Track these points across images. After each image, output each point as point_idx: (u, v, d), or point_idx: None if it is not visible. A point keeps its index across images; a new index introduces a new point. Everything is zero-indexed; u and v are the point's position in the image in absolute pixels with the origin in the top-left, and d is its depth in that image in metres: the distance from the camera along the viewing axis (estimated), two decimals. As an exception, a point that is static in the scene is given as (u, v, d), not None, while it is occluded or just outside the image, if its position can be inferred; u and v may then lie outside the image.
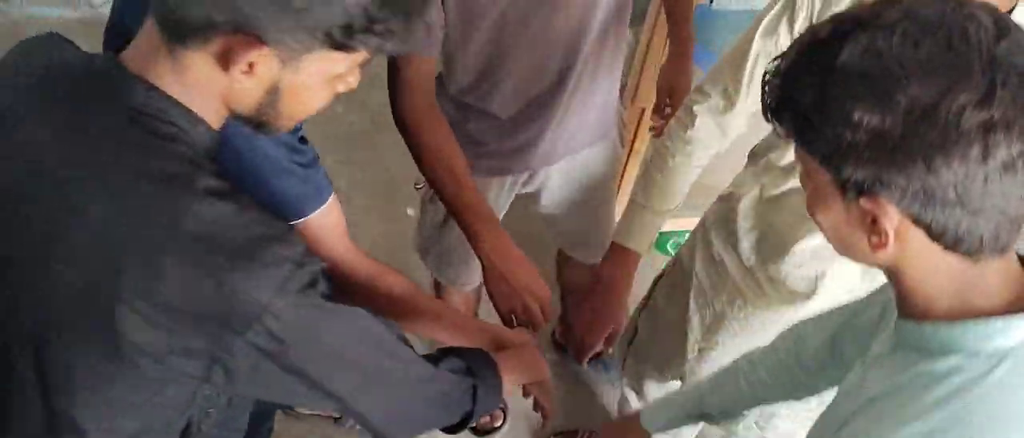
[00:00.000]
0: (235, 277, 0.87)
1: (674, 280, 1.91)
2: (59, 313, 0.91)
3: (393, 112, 1.62)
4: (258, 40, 0.87)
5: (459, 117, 1.78)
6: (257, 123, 0.98)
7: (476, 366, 1.24)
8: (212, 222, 0.88)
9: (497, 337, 1.43)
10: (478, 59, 1.67)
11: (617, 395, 2.63)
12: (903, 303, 0.91)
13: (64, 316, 0.91)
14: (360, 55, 0.93)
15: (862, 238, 0.85)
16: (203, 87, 0.92)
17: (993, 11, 0.79)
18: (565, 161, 1.94)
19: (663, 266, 2.04)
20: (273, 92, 0.93)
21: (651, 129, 2.05)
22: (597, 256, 1.83)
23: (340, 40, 0.89)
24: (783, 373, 1.32)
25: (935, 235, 0.82)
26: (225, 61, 0.89)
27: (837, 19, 0.83)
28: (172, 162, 0.90)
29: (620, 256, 1.69)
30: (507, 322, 1.61)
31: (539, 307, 1.58)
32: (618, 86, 1.95)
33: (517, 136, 1.82)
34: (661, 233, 2.82)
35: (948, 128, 0.75)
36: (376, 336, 1.05)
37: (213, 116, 0.96)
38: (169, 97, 0.92)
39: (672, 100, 1.99)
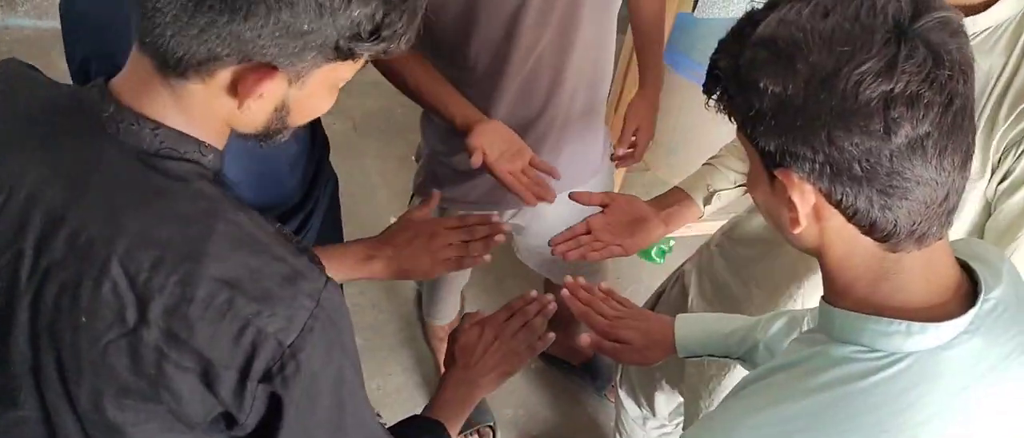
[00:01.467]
0: (261, 319, 0.86)
1: (675, 299, 1.90)
2: (90, 363, 0.89)
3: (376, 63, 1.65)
4: (269, 68, 0.86)
5: (448, 147, 1.79)
6: (263, 137, 0.97)
7: None
8: (235, 265, 0.87)
9: (360, 258, 1.42)
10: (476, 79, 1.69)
11: (603, 404, 2.63)
12: (826, 285, 0.91)
13: (93, 365, 0.89)
14: (365, 57, 0.92)
15: (784, 214, 0.85)
16: (207, 115, 0.91)
17: None
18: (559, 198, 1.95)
19: (655, 281, 2.03)
20: (281, 109, 0.92)
21: (612, 158, 2.06)
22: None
23: (347, 50, 0.87)
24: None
25: (849, 215, 0.82)
26: (234, 91, 0.87)
27: None
28: (190, 204, 0.89)
29: (671, 194, 1.65)
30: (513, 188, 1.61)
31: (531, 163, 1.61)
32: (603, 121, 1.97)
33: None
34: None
35: (846, 97, 0.75)
36: (364, 411, 1.02)
37: (218, 139, 0.94)
38: (177, 132, 0.90)
39: (637, 138, 2.04)
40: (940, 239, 0.85)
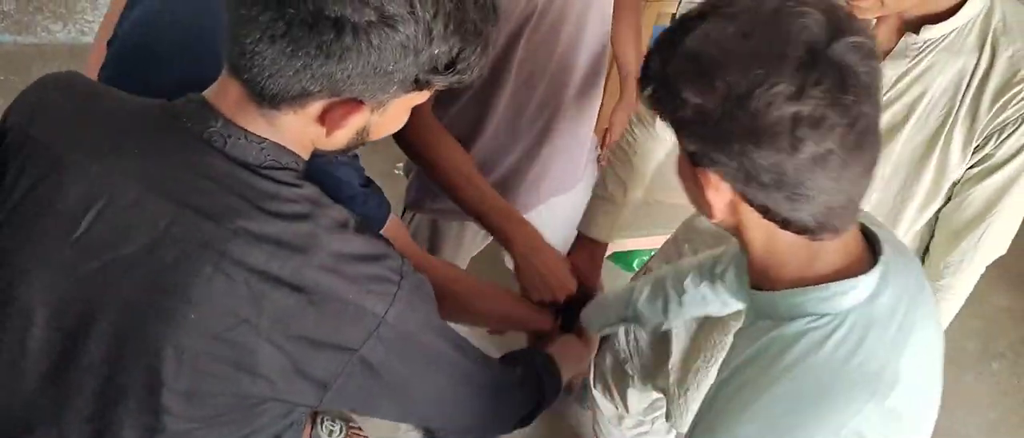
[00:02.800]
0: (359, 295, 0.94)
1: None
2: (193, 358, 0.92)
3: (398, 135, 1.62)
4: (357, 103, 0.92)
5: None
6: (341, 153, 1.04)
7: (541, 368, 1.34)
8: (335, 254, 0.94)
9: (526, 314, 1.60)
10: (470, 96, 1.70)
11: (586, 415, 2.63)
12: (755, 274, 1.00)
13: (196, 360, 0.93)
14: (440, 86, 0.97)
15: (705, 205, 0.93)
16: (297, 136, 0.97)
17: (833, 11, 0.84)
18: (545, 205, 1.96)
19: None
20: (363, 132, 0.99)
21: (599, 160, 2.12)
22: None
23: (425, 81, 0.93)
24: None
25: (762, 213, 0.90)
26: (322, 121, 0.93)
27: (704, 4, 0.89)
28: (296, 204, 0.95)
29: (587, 246, 1.72)
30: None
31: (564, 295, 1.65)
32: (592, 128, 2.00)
33: (498, 172, 1.83)
34: (627, 252, 2.86)
35: (757, 117, 0.81)
36: (461, 346, 1.12)
37: (306, 153, 1.01)
38: (279, 146, 0.96)
39: (609, 134, 2.16)
40: (852, 227, 0.94)
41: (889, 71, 1.32)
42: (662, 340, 1.84)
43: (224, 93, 0.95)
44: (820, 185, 0.84)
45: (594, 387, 2.16)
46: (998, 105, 1.28)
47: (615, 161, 1.71)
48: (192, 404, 0.95)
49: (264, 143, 0.95)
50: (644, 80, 0.92)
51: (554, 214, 1.99)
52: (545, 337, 1.62)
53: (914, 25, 1.29)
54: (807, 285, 0.93)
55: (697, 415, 1.01)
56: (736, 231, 0.96)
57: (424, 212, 1.91)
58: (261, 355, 0.93)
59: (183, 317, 0.91)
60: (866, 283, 0.92)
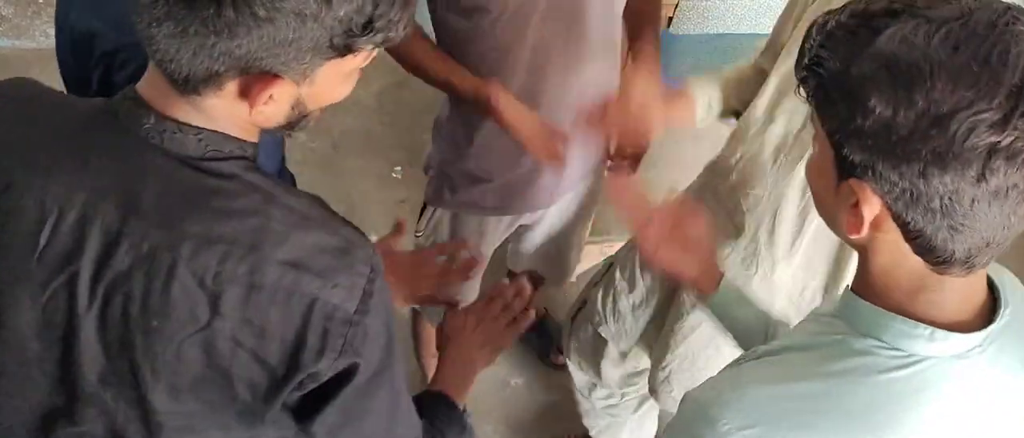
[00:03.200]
0: (326, 293, 0.91)
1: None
2: (165, 363, 0.92)
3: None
4: (270, 75, 0.88)
5: (459, 154, 1.81)
6: (287, 129, 1.00)
7: (436, 415, 1.26)
8: (296, 246, 0.91)
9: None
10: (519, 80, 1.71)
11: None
12: (860, 279, 0.92)
13: (169, 365, 0.92)
14: (369, 49, 0.93)
15: (842, 215, 0.85)
16: (231, 118, 0.93)
17: None
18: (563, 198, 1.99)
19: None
20: (297, 105, 0.95)
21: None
22: (562, 281, 1.83)
23: (344, 45, 0.89)
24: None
25: (910, 237, 0.83)
26: (245, 98, 0.90)
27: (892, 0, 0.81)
28: (245, 197, 0.92)
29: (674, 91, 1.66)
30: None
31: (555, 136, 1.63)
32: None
33: (522, 169, 1.83)
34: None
35: (955, 141, 0.74)
36: (402, 378, 1.06)
37: (250, 134, 0.97)
38: (219, 134, 0.93)
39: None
40: (985, 268, 0.87)
41: None
42: (644, 305, 1.85)
43: (153, 85, 0.93)
44: (990, 220, 0.78)
45: (568, 356, 2.15)
46: None
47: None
48: (180, 401, 0.94)
49: (201, 133, 0.92)
50: (811, 77, 0.83)
51: (567, 202, 2.02)
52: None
53: None
54: (903, 314, 0.87)
55: (720, 371, 0.98)
56: (863, 247, 0.89)
57: (444, 206, 1.92)
58: (232, 360, 0.91)
59: (147, 325, 0.90)
60: (959, 342, 0.85)
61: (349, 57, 0.91)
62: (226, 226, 0.90)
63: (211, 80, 0.87)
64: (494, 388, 2.66)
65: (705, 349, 1.75)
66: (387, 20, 0.89)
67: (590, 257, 2.90)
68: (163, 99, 0.92)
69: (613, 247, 2.82)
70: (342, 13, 0.86)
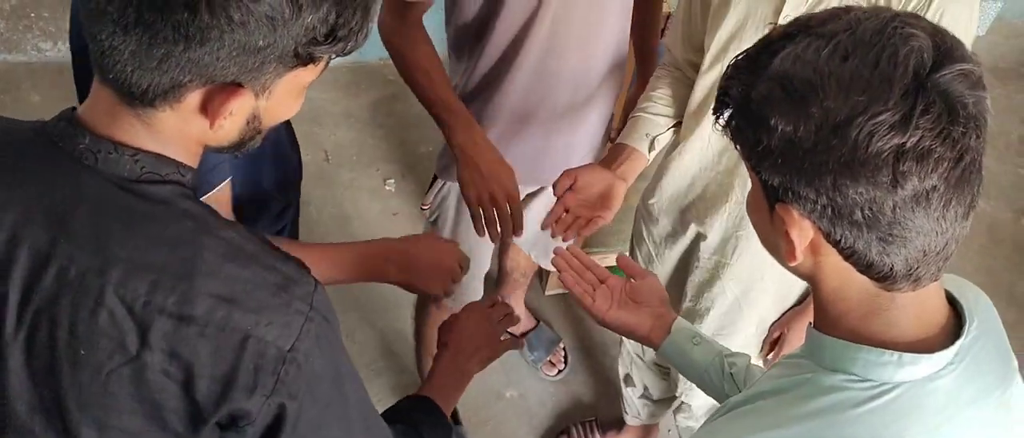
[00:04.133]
0: (260, 329, 0.88)
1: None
2: (93, 394, 0.89)
3: (380, 26, 1.67)
4: (234, 86, 0.87)
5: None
6: (236, 148, 0.97)
7: (419, 420, 1.25)
8: (229, 280, 0.88)
9: (367, 258, 1.44)
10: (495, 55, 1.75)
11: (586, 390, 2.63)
12: (817, 313, 0.92)
13: (96, 396, 0.89)
14: (325, 60, 0.92)
15: (781, 244, 0.85)
16: (180, 137, 0.91)
17: (939, 36, 0.77)
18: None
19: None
20: (252, 120, 0.93)
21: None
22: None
23: (306, 55, 0.88)
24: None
25: (846, 255, 0.82)
26: (204, 112, 0.88)
27: (793, 22, 0.82)
28: (177, 225, 0.90)
29: (618, 148, 1.70)
30: (474, 214, 1.63)
31: (507, 203, 1.61)
32: (610, 114, 2.05)
33: (532, 140, 1.87)
34: (614, 266, 2.86)
35: (858, 147, 0.74)
36: (363, 398, 1.04)
37: (193, 159, 0.95)
38: (156, 156, 0.90)
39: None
40: (935, 281, 0.85)
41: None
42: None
43: (95, 104, 0.90)
44: (919, 226, 0.77)
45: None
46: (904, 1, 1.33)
47: (638, 110, 1.74)
48: (108, 434, 0.91)
49: (138, 155, 0.89)
50: (720, 107, 0.85)
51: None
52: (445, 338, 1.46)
53: None
54: (865, 341, 0.85)
55: (703, 425, 0.98)
56: (810, 276, 0.88)
57: (453, 180, 1.93)
58: (162, 394, 0.88)
59: (74, 353, 0.87)
60: (929, 364, 0.84)
61: (306, 68, 0.90)
62: (157, 254, 0.87)
63: (172, 92, 0.85)
64: (489, 400, 2.65)
65: None
66: (349, 29, 0.88)
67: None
68: (105, 118, 0.89)
69: (610, 258, 2.82)
70: (309, 20, 0.85)
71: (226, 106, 0.87)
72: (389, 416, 1.22)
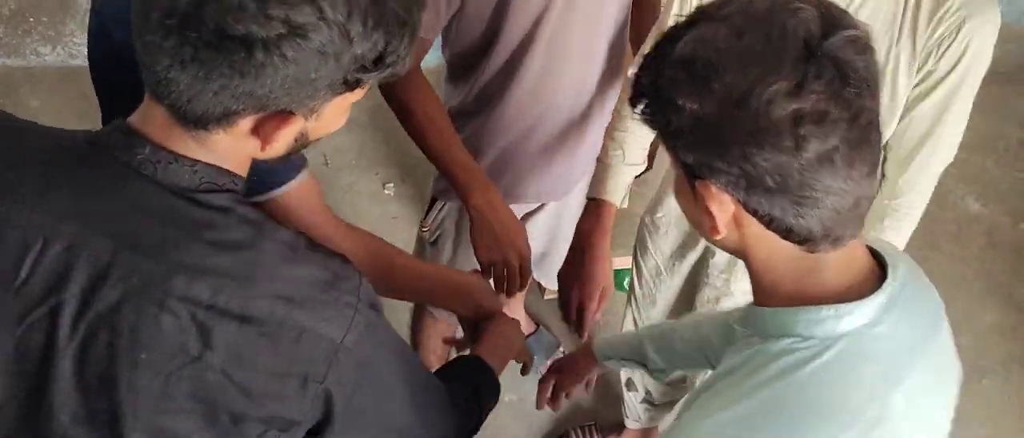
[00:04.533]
0: (314, 323, 0.92)
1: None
2: (150, 398, 0.90)
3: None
4: (288, 114, 0.90)
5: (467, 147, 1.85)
6: (284, 160, 1.02)
7: (476, 377, 1.33)
8: (285, 280, 0.92)
9: (462, 288, 1.53)
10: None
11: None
12: (754, 288, 0.97)
13: (154, 400, 0.90)
14: (371, 82, 0.95)
15: (705, 220, 0.90)
16: (232, 154, 0.94)
17: (826, 7, 0.82)
18: (571, 195, 2.05)
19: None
20: (300, 137, 0.96)
21: None
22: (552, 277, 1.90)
23: (354, 81, 0.91)
24: (696, 349, 1.41)
25: (765, 223, 0.87)
26: (255, 135, 0.91)
27: (692, 14, 0.87)
28: (237, 231, 0.93)
29: (596, 213, 1.71)
30: (485, 274, 1.64)
31: (519, 265, 1.62)
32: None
33: (532, 159, 1.88)
34: (617, 270, 2.85)
35: (758, 117, 0.79)
36: (414, 367, 1.11)
37: (244, 169, 0.99)
38: (214, 167, 0.93)
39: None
40: (854, 238, 0.90)
41: None
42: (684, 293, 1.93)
43: (150, 117, 0.92)
44: (826, 185, 0.82)
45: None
46: (933, 22, 1.38)
47: (612, 126, 1.74)
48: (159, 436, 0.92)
49: (197, 165, 0.92)
50: (635, 96, 0.90)
51: (568, 206, 2.07)
52: (476, 326, 1.55)
53: None
54: (801, 303, 0.90)
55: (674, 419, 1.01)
56: (739, 249, 0.93)
57: (452, 200, 1.94)
58: (219, 393, 0.90)
59: (135, 358, 0.89)
60: (863, 310, 0.88)
61: (356, 90, 0.94)
62: (219, 258, 0.90)
63: (225, 119, 0.88)
64: (487, 404, 2.65)
65: None
66: (396, 55, 0.91)
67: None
68: (161, 131, 0.92)
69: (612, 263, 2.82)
70: (359, 51, 0.87)
71: (278, 132, 0.91)
72: (444, 373, 1.30)
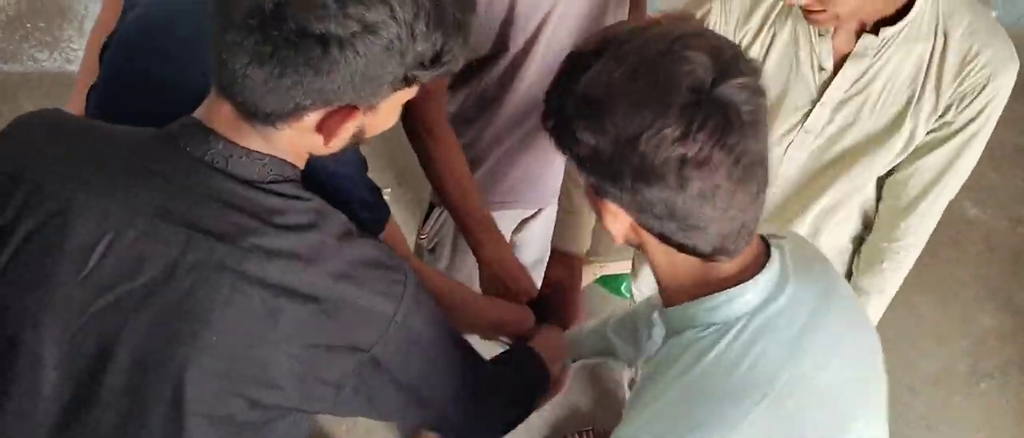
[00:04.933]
0: (370, 299, 0.98)
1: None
2: (218, 379, 0.95)
3: (405, 118, 1.66)
4: (351, 109, 0.93)
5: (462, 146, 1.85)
6: (337, 155, 1.05)
7: (530, 365, 1.38)
8: (344, 260, 0.97)
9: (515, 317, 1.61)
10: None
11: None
12: (662, 293, 1.04)
13: (221, 380, 0.95)
14: (417, 88, 0.99)
15: (610, 228, 0.96)
16: (295, 148, 0.99)
17: (719, 53, 0.86)
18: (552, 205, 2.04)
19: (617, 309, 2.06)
20: (358, 133, 0.99)
21: None
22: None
23: (413, 77, 0.95)
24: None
25: (659, 239, 0.94)
26: (319, 130, 0.95)
27: (600, 37, 0.92)
28: (303, 215, 0.98)
29: (564, 259, 1.75)
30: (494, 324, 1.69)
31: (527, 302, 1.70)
32: None
33: (529, 164, 1.89)
34: (615, 276, 2.86)
35: (646, 157, 0.84)
36: (461, 345, 1.16)
37: (302, 161, 1.03)
38: (280, 160, 0.98)
39: None
40: (748, 246, 0.96)
41: (852, 71, 1.42)
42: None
43: (217, 113, 0.96)
44: (709, 216, 0.88)
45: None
46: (959, 78, 1.40)
47: (565, 179, 1.75)
48: (214, 425, 0.96)
49: (265, 159, 0.97)
50: (545, 116, 0.95)
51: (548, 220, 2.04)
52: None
53: (872, 26, 1.39)
54: (700, 295, 0.96)
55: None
56: (643, 252, 0.99)
57: None
58: (278, 367, 0.95)
59: (205, 341, 0.92)
60: (754, 289, 0.94)
61: (411, 88, 0.97)
62: (286, 241, 0.95)
63: (293, 114, 0.92)
64: (486, 410, 2.65)
65: None
66: (452, 55, 0.95)
67: (583, 278, 2.90)
68: (230, 127, 0.95)
69: (607, 268, 2.83)
70: (421, 49, 0.91)
71: (342, 126, 0.94)
72: (496, 360, 1.35)
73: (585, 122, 0.88)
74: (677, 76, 0.84)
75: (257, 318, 0.93)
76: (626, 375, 2.31)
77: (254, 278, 0.93)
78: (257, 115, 0.92)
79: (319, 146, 0.98)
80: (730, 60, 0.86)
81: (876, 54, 1.40)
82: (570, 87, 0.90)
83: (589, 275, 2.90)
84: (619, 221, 0.94)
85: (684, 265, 0.96)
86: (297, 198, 0.98)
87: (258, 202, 0.95)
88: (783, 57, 1.46)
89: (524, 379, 1.35)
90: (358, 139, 1.01)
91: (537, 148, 1.86)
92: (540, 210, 2.06)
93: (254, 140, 0.96)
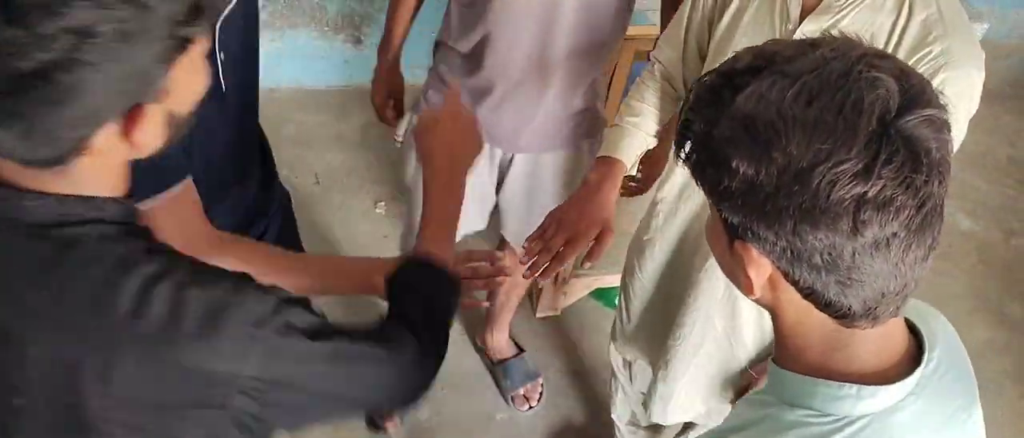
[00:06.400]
0: (200, 358, 0.87)
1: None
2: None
3: None
4: (136, 109, 0.83)
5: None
6: (172, 141, 0.93)
7: (419, 284, 1.20)
8: (162, 314, 0.85)
9: (366, 272, 1.35)
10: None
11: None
12: (778, 347, 0.91)
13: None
14: (207, 31, 0.87)
15: (740, 276, 0.84)
16: (100, 171, 0.88)
17: (907, 79, 0.76)
18: (530, 157, 2.09)
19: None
20: (171, 119, 0.88)
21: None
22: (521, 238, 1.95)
23: (182, 39, 0.83)
24: None
25: (804, 294, 0.82)
26: (126, 135, 0.84)
27: (756, 53, 0.80)
28: (99, 267, 0.87)
29: (605, 165, 1.69)
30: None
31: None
32: (599, 101, 2.10)
33: (491, 104, 1.96)
34: (608, 289, 2.85)
35: (818, 195, 0.73)
36: (341, 353, 1.00)
37: (119, 183, 0.92)
38: (69, 197, 0.87)
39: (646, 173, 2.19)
40: (895, 317, 0.84)
41: (811, 26, 1.39)
42: (667, 310, 1.88)
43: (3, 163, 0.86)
44: (878, 270, 0.77)
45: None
46: (912, 62, 1.32)
47: (631, 98, 1.76)
48: None
49: (45, 198, 0.86)
50: (681, 140, 0.83)
51: (539, 167, 2.12)
52: None
53: None
54: (825, 376, 0.85)
55: None
56: (770, 308, 0.88)
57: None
58: (87, 429, 0.89)
59: (7, 403, 0.90)
60: (888, 395, 0.84)
61: (192, 47, 0.85)
62: (70, 302, 0.86)
63: (77, 148, 0.82)
64: (480, 422, 2.64)
65: None
66: (211, 2, 0.85)
67: (575, 291, 2.90)
68: (15, 172, 0.86)
69: (601, 280, 2.82)
70: (164, 12, 0.79)
71: (140, 128, 0.83)
72: (393, 304, 1.19)
73: (744, 150, 0.75)
74: (864, 102, 0.72)
75: (58, 391, 0.88)
76: (622, 418, 2.29)
77: (41, 351, 0.87)
78: (40, 165, 0.83)
79: (131, 151, 0.87)
80: (917, 87, 0.75)
81: (837, 13, 1.36)
82: (722, 108, 0.77)
83: (582, 288, 2.90)
84: (760, 271, 0.81)
85: (817, 326, 0.84)
86: (82, 243, 0.87)
87: (40, 254, 0.87)
88: (759, 11, 1.48)
89: (425, 329, 1.13)
90: (178, 122, 0.89)
91: (533, 94, 1.92)
92: (512, 159, 2.11)
93: (44, 179, 0.85)
